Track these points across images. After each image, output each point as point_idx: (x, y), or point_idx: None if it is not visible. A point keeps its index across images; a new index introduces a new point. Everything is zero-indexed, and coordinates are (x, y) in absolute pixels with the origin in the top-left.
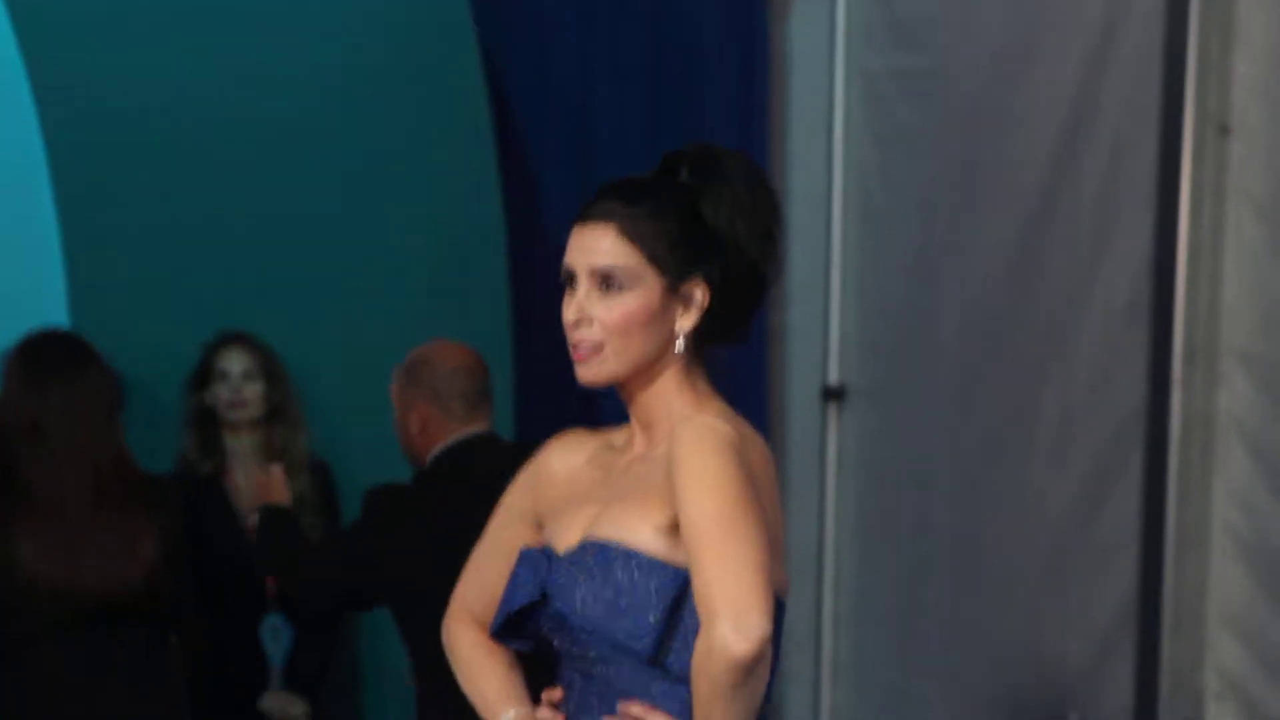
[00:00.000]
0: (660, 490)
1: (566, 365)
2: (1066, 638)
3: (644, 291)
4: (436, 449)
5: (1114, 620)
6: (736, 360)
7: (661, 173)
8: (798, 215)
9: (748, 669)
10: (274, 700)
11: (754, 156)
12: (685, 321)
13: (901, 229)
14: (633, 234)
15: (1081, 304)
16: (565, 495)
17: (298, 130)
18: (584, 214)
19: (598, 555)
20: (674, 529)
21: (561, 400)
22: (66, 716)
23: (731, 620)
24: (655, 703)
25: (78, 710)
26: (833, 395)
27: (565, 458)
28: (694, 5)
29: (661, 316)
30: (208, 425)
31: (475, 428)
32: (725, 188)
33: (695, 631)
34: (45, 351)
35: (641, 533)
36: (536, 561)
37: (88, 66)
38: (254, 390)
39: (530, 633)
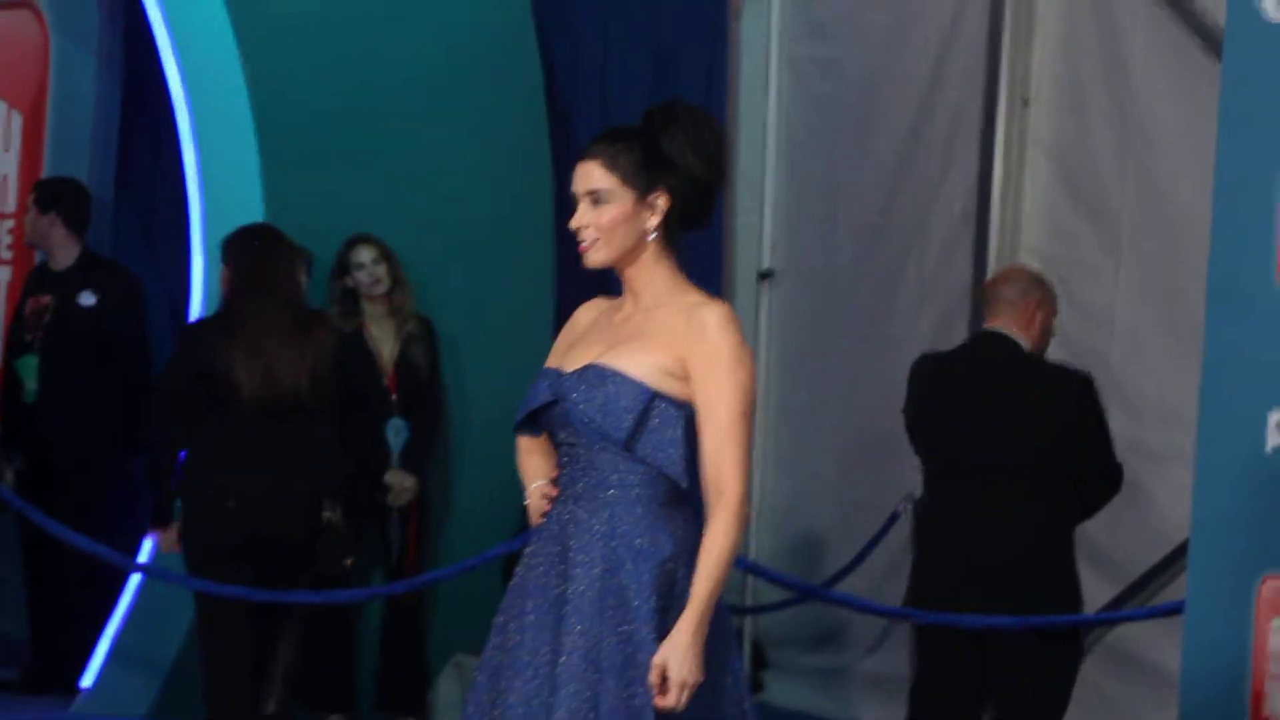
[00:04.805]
0: (651, 342)
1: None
2: None
3: (619, 203)
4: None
5: None
6: (704, 252)
7: (641, 123)
8: (744, 153)
9: (741, 533)
10: (394, 476)
11: (716, 113)
12: (653, 221)
13: (814, 163)
14: (611, 165)
15: (931, 213)
16: (581, 337)
17: (414, 97)
18: (581, 154)
19: (596, 374)
20: (654, 363)
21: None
22: (250, 481)
23: (736, 504)
24: (623, 476)
25: (255, 474)
26: (765, 276)
27: (588, 314)
28: (679, 10)
29: (634, 219)
30: (348, 300)
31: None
32: (677, 128)
33: (657, 432)
34: (261, 237)
35: (630, 365)
36: (551, 376)
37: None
38: (381, 270)
39: (542, 426)
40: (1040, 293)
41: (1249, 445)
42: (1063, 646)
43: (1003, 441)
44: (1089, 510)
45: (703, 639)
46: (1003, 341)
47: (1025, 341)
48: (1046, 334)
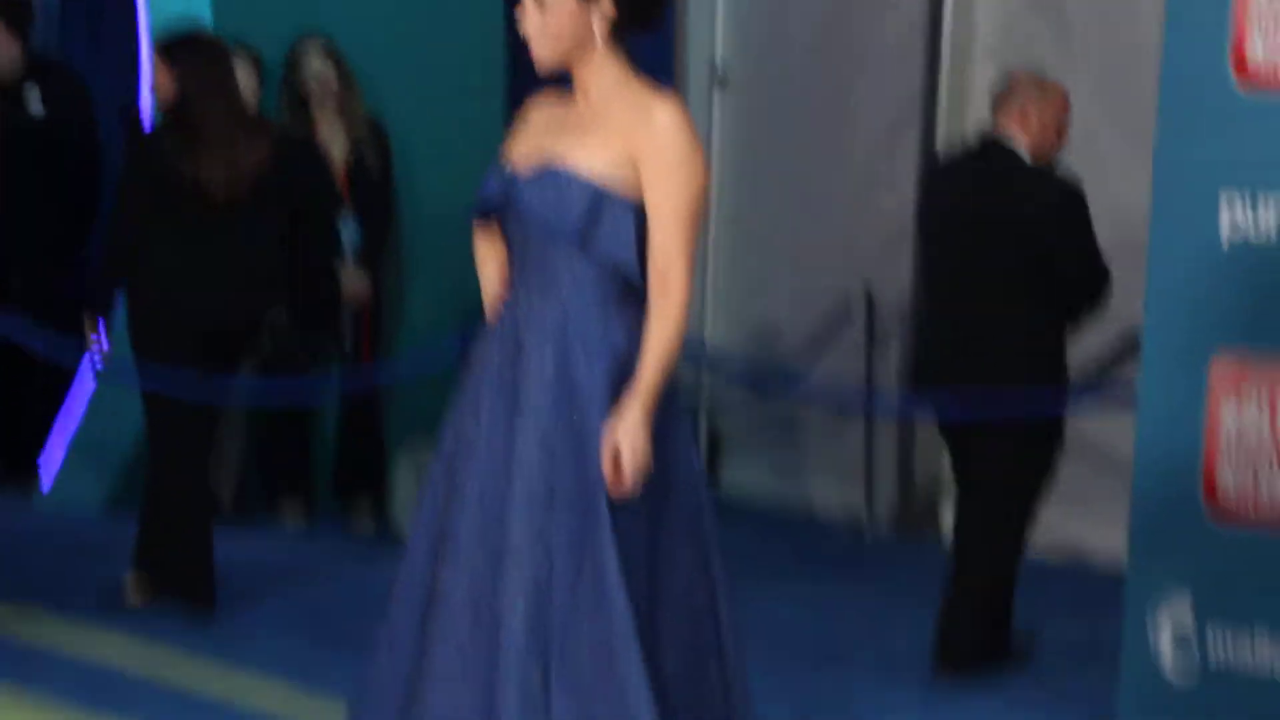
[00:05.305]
0: (602, 136)
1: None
2: (864, 239)
3: (563, 6)
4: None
5: (894, 231)
6: (658, 59)
7: None
8: None
9: (684, 328)
10: (348, 274)
11: None
12: (598, 22)
13: None
14: None
15: (883, 19)
16: (532, 132)
17: None
18: None
19: (546, 172)
20: (605, 159)
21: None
22: (197, 277)
23: (680, 299)
24: (576, 274)
25: (204, 270)
26: (719, 82)
27: (539, 109)
28: None
29: (578, 20)
30: (297, 106)
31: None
32: None
33: (608, 227)
34: (209, 42)
35: (581, 159)
36: (503, 173)
37: None
38: (329, 69)
39: (495, 221)
40: (1030, 93)
41: (1201, 228)
42: (1036, 439)
43: (988, 248)
44: (1077, 315)
45: (649, 423)
46: (997, 147)
47: (1026, 143)
48: (1049, 134)
